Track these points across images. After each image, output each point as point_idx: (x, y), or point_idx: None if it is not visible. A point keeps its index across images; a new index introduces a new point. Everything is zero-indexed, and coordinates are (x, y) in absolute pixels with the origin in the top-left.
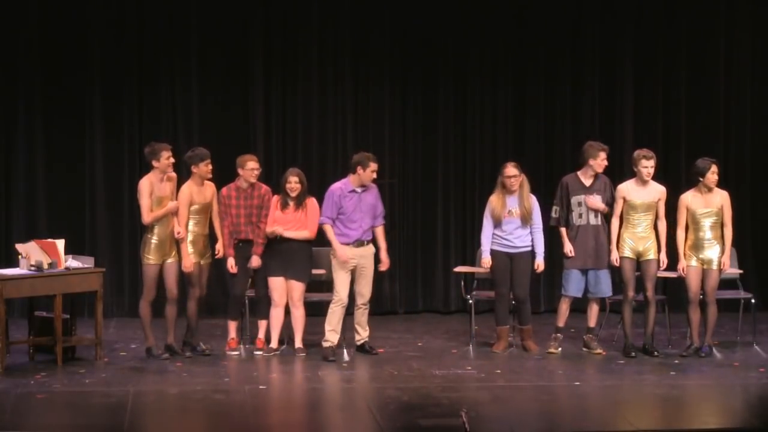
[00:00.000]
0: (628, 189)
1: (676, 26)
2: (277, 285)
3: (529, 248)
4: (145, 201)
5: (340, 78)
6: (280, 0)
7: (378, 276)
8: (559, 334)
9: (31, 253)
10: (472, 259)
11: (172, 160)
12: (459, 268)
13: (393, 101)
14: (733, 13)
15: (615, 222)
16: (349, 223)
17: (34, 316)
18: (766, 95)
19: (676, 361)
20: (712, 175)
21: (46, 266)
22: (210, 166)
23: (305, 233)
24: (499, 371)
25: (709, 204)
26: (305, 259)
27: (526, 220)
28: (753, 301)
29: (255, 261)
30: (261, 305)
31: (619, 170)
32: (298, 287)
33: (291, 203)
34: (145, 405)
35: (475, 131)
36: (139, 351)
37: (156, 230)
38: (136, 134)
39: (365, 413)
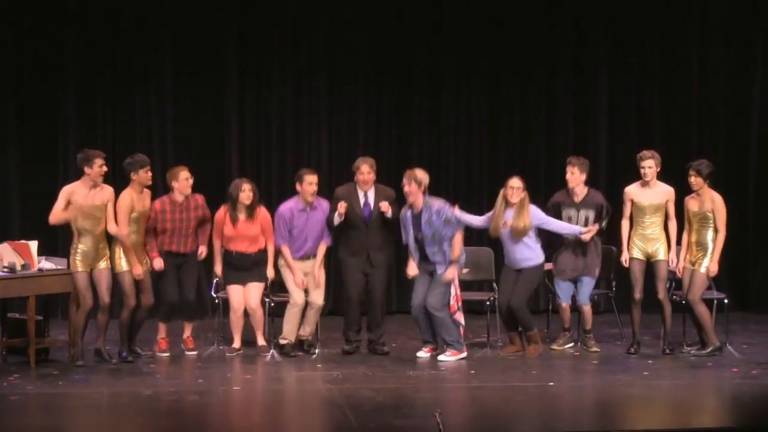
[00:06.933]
0: (634, 191)
1: (650, 30)
2: (234, 292)
3: (534, 263)
4: (58, 203)
5: (314, 81)
6: (255, 3)
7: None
8: (567, 333)
9: (4, 254)
10: None
11: (104, 168)
12: None
13: (367, 105)
14: (706, 15)
15: (625, 224)
16: (297, 241)
17: (6, 318)
18: (739, 97)
19: (650, 362)
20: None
21: (19, 268)
22: (150, 173)
23: (270, 248)
24: (473, 372)
25: (701, 207)
26: (262, 263)
27: (517, 234)
28: (726, 301)
29: (204, 252)
30: (189, 308)
31: (594, 172)
32: (256, 287)
33: (242, 216)
34: (119, 406)
35: (449, 134)
36: (113, 353)
37: (81, 237)
38: (110, 137)
39: (339, 414)
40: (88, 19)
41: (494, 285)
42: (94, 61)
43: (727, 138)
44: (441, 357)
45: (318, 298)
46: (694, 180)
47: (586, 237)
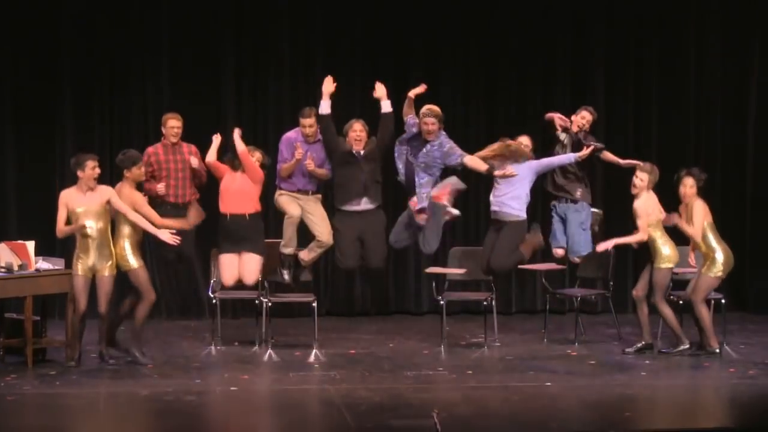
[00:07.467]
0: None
1: (647, 31)
2: (227, 266)
3: (516, 215)
4: (59, 213)
5: (311, 77)
6: (252, 0)
7: (349, 278)
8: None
9: (1, 254)
10: (444, 260)
11: (97, 171)
12: (430, 269)
13: (364, 100)
14: (703, 17)
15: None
16: (296, 172)
17: (4, 318)
18: (736, 98)
19: (647, 362)
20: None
21: (16, 268)
22: (143, 170)
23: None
24: (470, 372)
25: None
26: (258, 231)
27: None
28: (723, 301)
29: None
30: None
31: (591, 174)
32: (253, 261)
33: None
34: (117, 407)
35: (446, 129)
36: (114, 354)
37: (82, 241)
38: (107, 136)
39: (336, 414)
40: (84, 20)
41: (492, 285)
42: (91, 62)
43: (724, 139)
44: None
45: (326, 236)
46: (689, 191)
47: (582, 155)
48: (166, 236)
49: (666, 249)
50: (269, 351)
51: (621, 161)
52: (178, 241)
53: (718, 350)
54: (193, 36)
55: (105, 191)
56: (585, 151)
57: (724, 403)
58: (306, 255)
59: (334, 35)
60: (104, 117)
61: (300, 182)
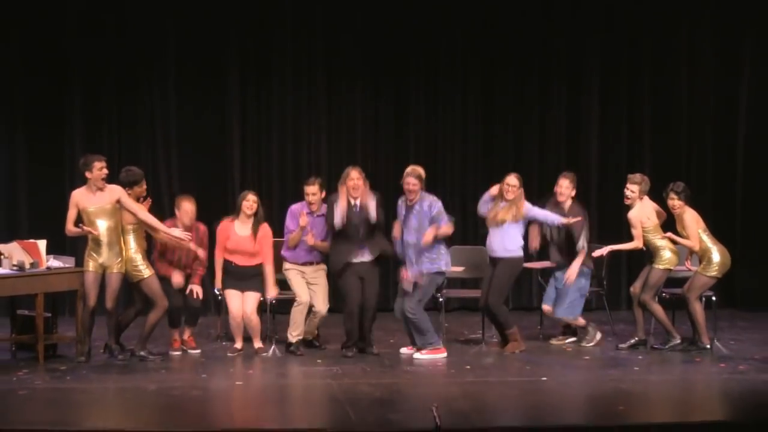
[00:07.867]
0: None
1: (641, 34)
2: (232, 297)
3: (511, 254)
4: (69, 213)
5: (313, 84)
6: (255, 7)
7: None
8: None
9: (13, 253)
10: None
11: (105, 171)
12: None
13: (365, 106)
14: (695, 21)
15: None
16: (300, 244)
17: (16, 315)
18: (727, 98)
19: (640, 357)
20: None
21: (27, 266)
22: (144, 187)
23: (268, 268)
24: (468, 367)
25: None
26: (261, 275)
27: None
28: (714, 298)
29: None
30: (193, 314)
31: (587, 176)
32: (253, 296)
33: (243, 228)
34: (125, 401)
35: (446, 135)
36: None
37: (94, 239)
38: (115, 137)
39: (338, 408)
40: (92, 26)
41: None
42: (99, 68)
43: (715, 139)
44: (416, 355)
45: (322, 306)
46: (677, 203)
47: (568, 221)
48: (178, 232)
49: (666, 252)
50: (273, 347)
51: (603, 252)
52: (190, 236)
53: (709, 346)
54: (199, 43)
55: (114, 190)
56: (570, 220)
57: (716, 398)
58: (313, 334)
59: (335, 41)
60: (112, 120)
61: (305, 256)
